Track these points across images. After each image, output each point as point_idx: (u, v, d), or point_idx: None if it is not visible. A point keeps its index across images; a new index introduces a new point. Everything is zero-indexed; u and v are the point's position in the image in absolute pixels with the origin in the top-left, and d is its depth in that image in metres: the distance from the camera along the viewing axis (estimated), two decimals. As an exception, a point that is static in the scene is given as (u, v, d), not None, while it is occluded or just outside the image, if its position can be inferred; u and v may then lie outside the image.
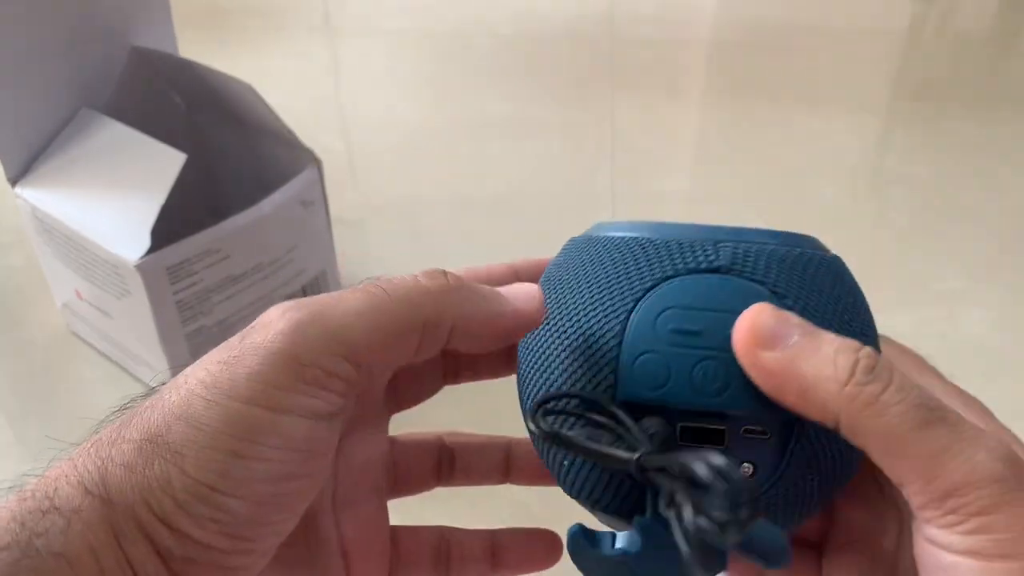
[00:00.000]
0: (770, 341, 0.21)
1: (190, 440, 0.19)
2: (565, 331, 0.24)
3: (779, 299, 0.22)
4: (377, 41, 1.22)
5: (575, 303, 0.24)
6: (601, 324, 0.23)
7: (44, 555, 0.17)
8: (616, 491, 0.23)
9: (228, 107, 0.60)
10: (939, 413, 0.19)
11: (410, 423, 0.29)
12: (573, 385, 0.23)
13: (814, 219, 0.79)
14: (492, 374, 0.28)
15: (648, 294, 0.23)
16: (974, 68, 1.17)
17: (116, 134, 0.57)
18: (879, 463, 0.20)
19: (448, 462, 0.29)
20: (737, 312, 0.21)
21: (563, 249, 0.27)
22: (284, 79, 1.08)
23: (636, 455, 0.20)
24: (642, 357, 0.23)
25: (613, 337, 0.23)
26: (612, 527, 0.24)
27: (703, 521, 0.18)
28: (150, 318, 0.53)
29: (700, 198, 0.85)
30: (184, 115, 0.63)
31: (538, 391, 0.24)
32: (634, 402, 0.23)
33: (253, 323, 0.21)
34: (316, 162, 0.61)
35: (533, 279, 0.27)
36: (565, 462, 0.24)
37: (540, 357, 0.24)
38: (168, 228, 0.52)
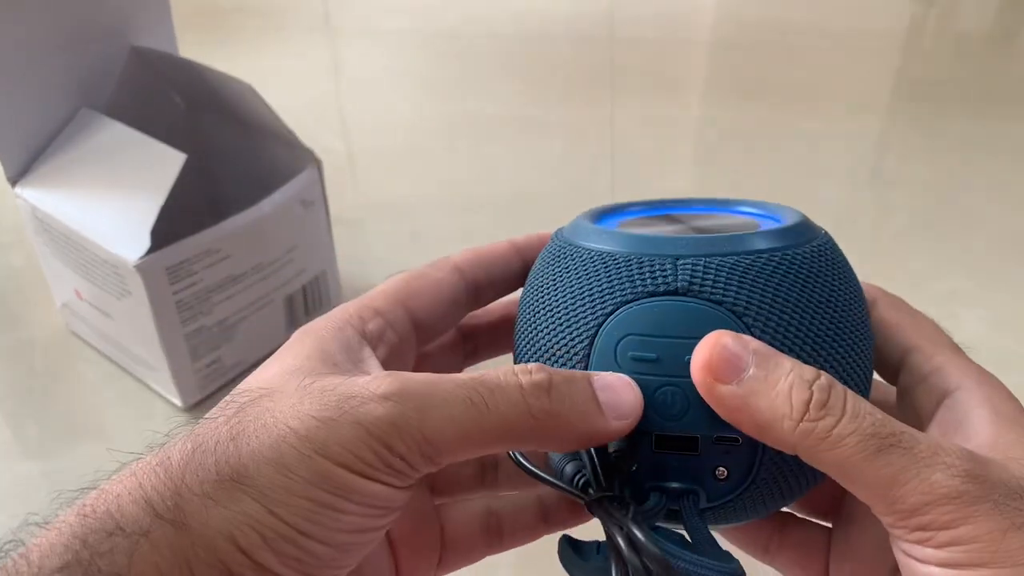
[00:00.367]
0: (725, 374, 0.21)
1: (280, 486, 0.19)
2: (536, 355, 0.25)
3: (738, 319, 0.22)
4: (377, 41, 1.22)
5: (544, 325, 0.25)
6: (567, 350, 0.24)
7: None
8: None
9: (228, 107, 0.60)
10: (892, 439, 0.20)
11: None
12: None
13: (814, 219, 0.79)
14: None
15: (609, 319, 0.23)
16: (974, 68, 1.17)
17: (116, 134, 0.57)
18: (844, 486, 0.20)
19: (493, 467, 0.29)
20: (694, 337, 0.22)
21: (541, 254, 0.27)
22: (284, 79, 1.08)
23: (587, 498, 0.22)
24: None
25: (579, 364, 0.24)
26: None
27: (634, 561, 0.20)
28: (150, 318, 0.53)
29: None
30: (184, 115, 0.63)
31: None
32: None
33: (354, 389, 0.21)
34: (316, 162, 0.61)
35: (534, 253, 0.28)
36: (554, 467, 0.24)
37: None
38: (168, 228, 0.52)
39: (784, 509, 0.27)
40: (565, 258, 0.25)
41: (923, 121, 1.01)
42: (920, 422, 0.23)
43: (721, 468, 0.23)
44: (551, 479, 0.23)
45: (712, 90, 1.09)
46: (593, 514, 0.22)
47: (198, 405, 0.59)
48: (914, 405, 0.24)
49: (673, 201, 0.29)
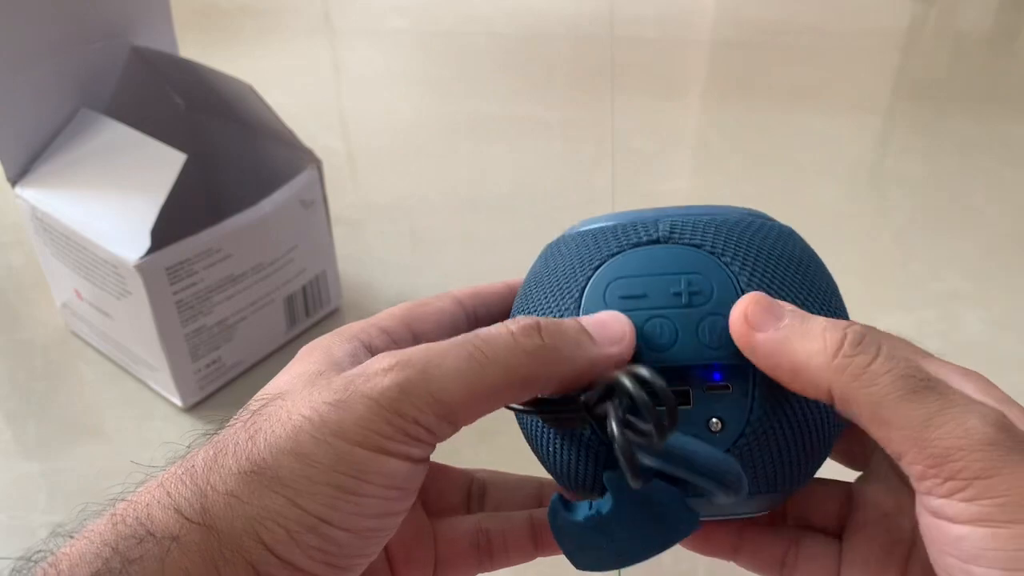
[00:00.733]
0: (764, 322, 0.22)
1: (300, 475, 0.20)
2: (531, 312, 0.26)
3: (718, 258, 0.24)
4: (377, 41, 1.22)
5: (539, 291, 0.26)
6: (559, 302, 0.25)
7: None
8: (594, 470, 0.24)
9: (228, 107, 0.60)
10: (928, 382, 0.20)
11: (441, 459, 0.29)
12: None
13: (814, 219, 0.79)
14: None
15: (596, 272, 0.25)
16: (974, 68, 1.17)
17: (116, 134, 0.57)
18: (874, 435, 0.20)
19: (479, 496, 0.30)
20: (679, 272, 0.24)
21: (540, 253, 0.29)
22: (284, 79, 1.08)
23: (581, 397, 0.23)
24: None
25: (569, 311, 0.25)
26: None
27: (629, 434, 0.20)
28: (150, 318, 0.53)
29: (700, 198, 0.85)
30: (184, 115, 0.63)
31: None
32: None
33: (358, 371, 0.22)
34: (316, 162, 0.61)
35: None
36: (551, 448, 0.25)
37: None
38: (168, 228, 0.52)
39: (796, 526, 0.27)
40: (557, 244, 0.28)
41: (923, 121, 1.01)
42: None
43: (715, 420, 0.23)
44: (548, 399, 0.23)
45: (712, 90, 1.09)
46: (591, 417, 0.23)
47: (198, 405, 0.59)
48: None
49: (662, 207, 0.31)
